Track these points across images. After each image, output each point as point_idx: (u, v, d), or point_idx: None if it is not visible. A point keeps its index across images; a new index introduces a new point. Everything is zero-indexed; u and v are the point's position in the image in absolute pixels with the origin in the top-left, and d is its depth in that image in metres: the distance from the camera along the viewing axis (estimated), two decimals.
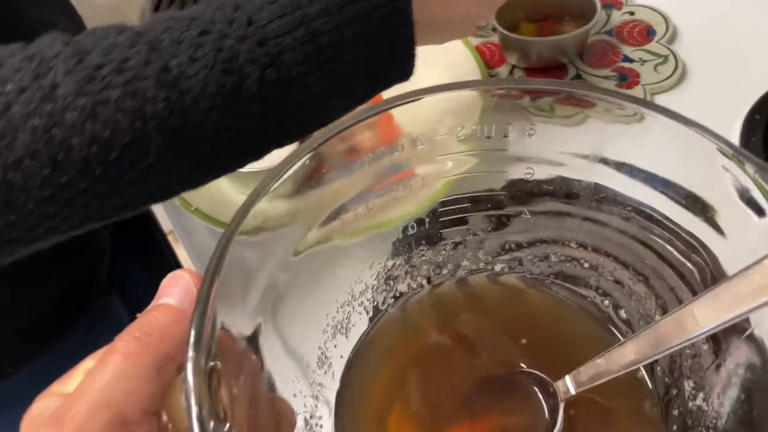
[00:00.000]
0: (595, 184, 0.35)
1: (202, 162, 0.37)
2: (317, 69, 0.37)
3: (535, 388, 0.34)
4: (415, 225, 0.39)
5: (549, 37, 0.65)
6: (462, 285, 0.41)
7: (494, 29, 0.70)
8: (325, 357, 0.36)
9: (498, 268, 0.41)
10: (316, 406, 0.35)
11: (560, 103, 0.38)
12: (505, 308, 0.41)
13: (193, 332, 0.24)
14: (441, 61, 0.66)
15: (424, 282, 0.41)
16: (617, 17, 0.71)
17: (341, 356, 0.37)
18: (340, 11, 0.36)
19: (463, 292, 0.41)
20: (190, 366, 0.23)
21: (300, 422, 0.33)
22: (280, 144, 0.39)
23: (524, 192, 0.37)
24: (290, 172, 0.30)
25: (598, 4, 0.64)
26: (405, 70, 0.41)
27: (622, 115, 0.32)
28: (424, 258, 0.40)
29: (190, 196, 0.60)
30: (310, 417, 0.34)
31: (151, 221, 0.79)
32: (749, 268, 0.24)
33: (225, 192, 0.63)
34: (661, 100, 0.61)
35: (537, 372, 0.34)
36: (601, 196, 0.35)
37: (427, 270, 0.40)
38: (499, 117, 0.35)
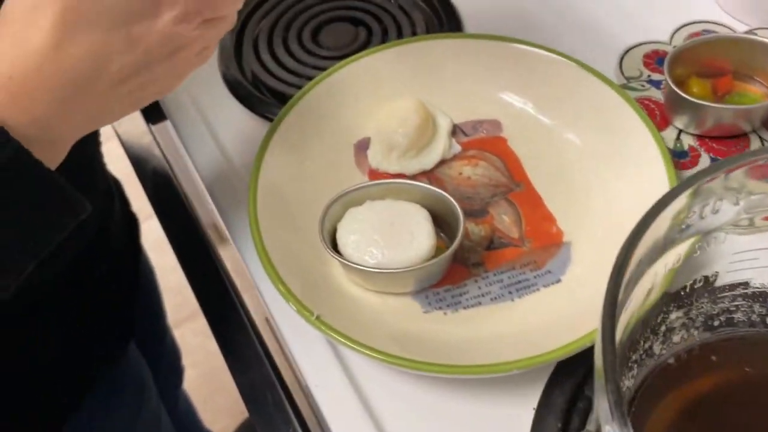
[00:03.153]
0: None
1: None
2: None
3: None
4: (703, 279, 0.41)
5: (737, 106, 0.61)
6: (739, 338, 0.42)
7: (658, 84, 0.65)
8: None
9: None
10: None
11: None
12: None
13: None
14: (604, 126, 0.60)
15: (696, 332, 0.43)
16: None
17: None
18: None
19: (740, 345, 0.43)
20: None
21: None
22: None
23: None
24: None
25: None
26: (67, 206, 0.37)
27: None
28: (701, 310, 0.42)
29: (308, 300, 0.51)
30: None
31: None
32: None
33: (351, 295, 0.54)
34: None
35: None
36: None
37: (702, 322, 0.42)
38: None
